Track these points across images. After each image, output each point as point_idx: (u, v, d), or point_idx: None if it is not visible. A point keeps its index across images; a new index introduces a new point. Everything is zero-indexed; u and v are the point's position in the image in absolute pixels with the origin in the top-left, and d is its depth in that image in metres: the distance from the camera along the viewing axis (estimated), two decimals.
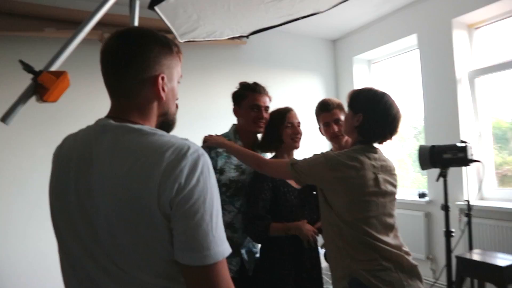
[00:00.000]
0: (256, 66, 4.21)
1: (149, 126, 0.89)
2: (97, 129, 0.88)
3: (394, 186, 1.55)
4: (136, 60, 0.88)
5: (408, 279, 1.39)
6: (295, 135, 1.86)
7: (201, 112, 3.88)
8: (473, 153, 1.95)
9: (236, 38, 2.34)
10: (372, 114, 1.51)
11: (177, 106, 1.02)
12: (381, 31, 4.13)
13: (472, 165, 2.19)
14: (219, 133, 1.93)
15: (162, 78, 0.91)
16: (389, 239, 1.45)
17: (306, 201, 1.81)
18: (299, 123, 1.90)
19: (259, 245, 1.94)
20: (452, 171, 2.78)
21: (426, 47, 3.65)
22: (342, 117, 1.95)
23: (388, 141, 1.55)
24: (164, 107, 0.95)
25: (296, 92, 4.41)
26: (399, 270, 1.39)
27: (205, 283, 0.79)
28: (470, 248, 2.54)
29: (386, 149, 4.34)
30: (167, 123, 0.99)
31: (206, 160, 0.83)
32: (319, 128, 2.03)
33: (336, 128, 1.94)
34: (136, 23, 1.64)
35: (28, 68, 1.27)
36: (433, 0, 3.55)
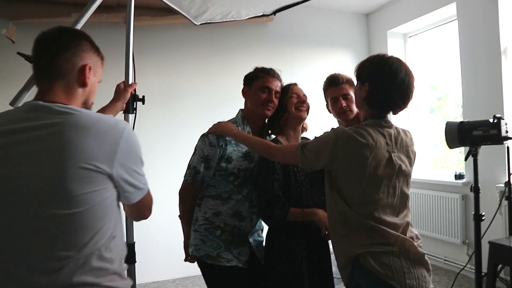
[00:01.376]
0: (285, 43, 4.09)
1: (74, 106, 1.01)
2: (24, 110, 1.00)
3: (410, 164, 1.43)
4: (72, 45, 1.03)
5: (410, 267, 1.30)
6: (300, 104, 1.78)
7: (227, 93, 3.84)
8: (508, 129, 1.77)
9: (260, 17, 2.27)
10: (378, 81, 1.38)
11: (92, 103, 1.14)
12: (417, 1, 3.86)
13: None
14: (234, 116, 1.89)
15: (90, 68, 1.05)
16: (397, 220, 1.36)
17: (314, 181, 1.74)
18: (305, 95, 1.82)
19: (265, 231, 1.90)
20: (492, 150, 2.56)
21: (466, 17, 3.36)
22: (352, 93, 1.83)
23: (402, 109, 1.42)
24: (85, 95, 1.08)
25: (327, 70, 4.16)
26: (403, 256, 1.30)
27: None
28: (511, 233, 2.36)
29: (430, 129, 4.12)
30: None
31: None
32: (327, 105, 1.93)
33: (344, 103, 1.82)
34: (132, 9, 1.69)
35: (28, 58, 1.32)
36: None
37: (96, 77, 1.10)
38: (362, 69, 1.45)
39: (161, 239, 3.53)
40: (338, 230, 1.41)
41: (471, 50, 3.31)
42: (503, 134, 1.77)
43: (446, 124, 1.87)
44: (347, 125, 1.85)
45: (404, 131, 1.47)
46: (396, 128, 1.44)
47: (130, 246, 1.66)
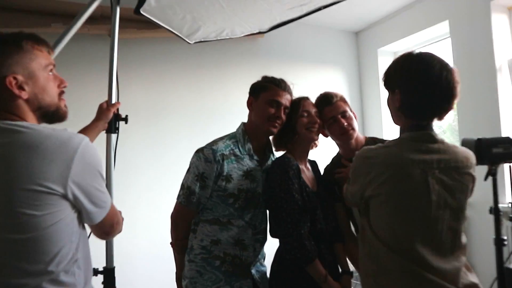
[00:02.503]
0: (275, 59, 4.00)
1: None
2: None
3: (461, 190, 1.14)
4: None
5: None
6: (311, 125, 1.60)
7: (216, 109, 3.70)
8: None
9: (257, 33, 2.19)
10: (409, 83, 1.14)
11: (61, 93, 1.06)
12: (408, 19, 3.84)
13: None
14: (228, 132, 1.70)
15: (15, 78, 0.94)
16: (444, 263, 1.09)
17: (321, 204, 1.57)
18: (316, 112, 1.64)
19: (265, 262, 1.71)
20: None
21: (459, 34, 3.33)
22: (348, 110, 1.69)
23: (448, 112, 1.18)
24: (34, 103, 0.98)
25: (317, 87, 4.10)
26: None
27: None
28: None
29: None
30: (50, 114, 1.03)
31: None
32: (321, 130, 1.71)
33: (344, 121, 1.64)
34: (116, 28, 1.65)
35: None
36: None
37: (36, 76, 0.98)
38: (389, 75, 1.23)
39: (145, 266, 3.26)
40: (366, 267, 1.18)
41: (466, 68, 3.27)
42: None
43: (462, 141, 1.75)
44: (348, 148, 1.70)
45: (458, 148, 1.19)
46: (443, 142, 1.16)
47: (109, 270, 1.54)
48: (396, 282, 1.09)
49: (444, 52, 3.64)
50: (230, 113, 3.62)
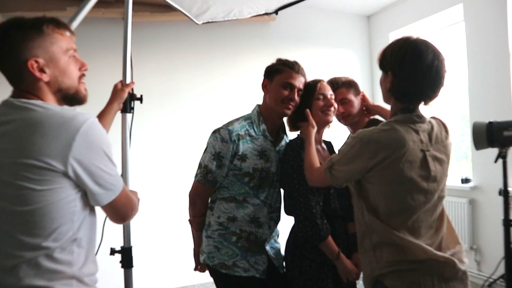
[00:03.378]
0: (287, 43, 4.01)
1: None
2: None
3: (447, 162, 1.28)
4: (2, 53, 0.97)
5: (443, 284, 1.16)
6: (327, 108, 1.63)
7: (228, 92, 3.75)
8: None
9: (262, 15, 2.19)
10: (402, 68, 1.20)
11: (81, 77, 1.08)
12: (421, 2, 3.80)
13: None
14: (239, 113, 1.74)
15: (36, 61, 0.96)
16: (432, 232, 1.23)
17: (337, 187, 1.62)
18: (332, 95, 1.67)
19: (279, 239, 1.77)
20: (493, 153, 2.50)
21: (473, 18, 3.30)
22: (351, 96, 1.75)
23: (434, 100, 1.26)
24: (55, 85, 1.01)
25: (328, 71, 4.11)
26: (436, 272, 1.16)
27: None
28: None
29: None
30: (70, 97, 1.05)
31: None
32: None
33: (341, 108, 1.73)
34: (130, 10, 1.65)
35: None
36: None
37: (57, 59, 1.00)
38: (384, 57, 1.28)
39: (162, 244, 3.37)
40: (365, 243, 1.28)
41: (479, 53, 3.26)
42: None
43: (473, 125, 1.78)
44: (355, 129, 1.75)
45: (438, 122, 1.32)
46: (430, 121, 1.28)
47: (127, 250, 1.57)
48: (394, 253, 1.19)
49: (458, 37, 3.62)
50: (242, 95, 3.66)
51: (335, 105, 1.67)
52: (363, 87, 4.81)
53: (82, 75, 1.10)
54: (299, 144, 1.60)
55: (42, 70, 0.98)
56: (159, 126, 3.48)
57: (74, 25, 1.60)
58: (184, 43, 3.62)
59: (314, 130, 1.58)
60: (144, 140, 3.32)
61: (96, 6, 1.67)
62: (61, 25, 1.04)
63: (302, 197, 1.52)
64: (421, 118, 1.25)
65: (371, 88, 4.40)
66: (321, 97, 1.64)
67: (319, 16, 4.19)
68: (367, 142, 1.20)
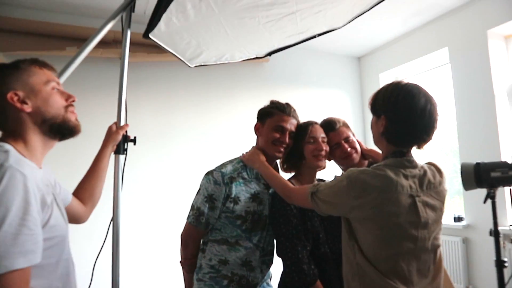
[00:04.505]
0: (280, 83, 4.13)
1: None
2: None
3: (441, 209, 1.25)
4: None
5: None
6: (318, 152, 1.63)
7: (223, 133, 3.78)
8: None
9: (254, 59, 2.27)
10: (395, 112, 1.21)
11: (67, 106, 1.08)
12: (409, 46, 3.97)
13: None
14: (235, 156, 1.77)
15: (16, 94, 1.00)
16: (425, 281, 1.19)
17: (329, 227, 1.61)
18: (324, 138, 1.67)
19: (271, 282, 1.74)
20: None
21: (459, 61, 3.45)
22: (351, 135, 1.76)
23: (427, 143, 1.25)
24: (38, 116, 1.02)
25: (321, 111, 4.25)
26: None
27: None
28: None
29: None
30: (57, 127, 1.06)
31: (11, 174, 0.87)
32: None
33: (347, 146, 1.71)
34: (127, 52, 1.67)
35: None
36: (465, 12, 3.38)
37: (37, 90, 1.03)
38: (377, 101, 1.28)
39: (154, 285, 3.28)
40: (353, 285, 1.23)
41: (466, 94, 3.37)
42: None
43: (461, 166, 1.81)
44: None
45: (431, 168, 1.30)
46: (422, 167, 1.27)
47: None
48: None
49: (444, 78, 3.75)
50: (237, 135, 3.70)
51: (327, 148, 1.67)
52: (355, 126, 4.91)
53: (70, 105, 1.10)
54: None
55: (23, 102, 1.00)
56: (154, 166, 3.48)
57: (72, 68, 1.62)
58: (180, 83, 3.70)
59: (261, 156, 1.62)
60: (139, 178, 3.31)
61: (94, 46, 1.70)
62: (39, 62, 1.08)
63: (288, 241, 1.51)
64: (411, 163, 1.24)
65: (363, 127, 4.49)
66: (312, 140, 1.64)
67: (312, 58, 4.33)
68: (354, 181, 1.19)
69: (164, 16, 1.52)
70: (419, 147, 1.26)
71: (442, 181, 1.29)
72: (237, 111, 3.82)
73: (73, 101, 1.12)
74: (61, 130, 1.08)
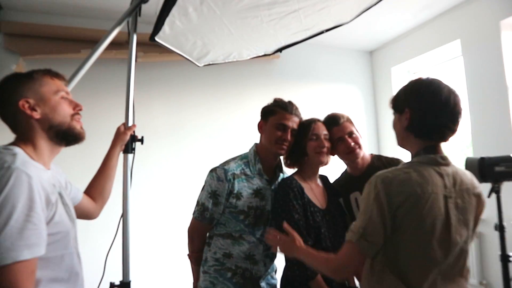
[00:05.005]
0: (291, 80, 4.13)
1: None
2: None
3: (474, 210, 1.18)
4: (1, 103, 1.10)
5: None
6: (320, 148, 1.66)
7: (234, 129, 3.83)
8: None
9: (263, 56, 2.29)
10: (419, 102, 1.18)
11: (74, 115, 1.16)
12: (421, 39, 3.92)
13: None
14: (241, 152, 1.81)
15: (27, 101, 1.09)
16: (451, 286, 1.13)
17: (330, 222, 1.64)
18: (326, 135, 1.71)
19: (276, 274, 1.79)
20: (506, 185, 2.50)
21: (471, 53, 3.39)
22: (355, 131, 1.77)
23: (454, 134, 1.20)
24: (46, 122, 1.11)
25: (332, 106, 4.25)
26: None
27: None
28: None
29: None
30: (63, 133, 1.14)
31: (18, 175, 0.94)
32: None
33: (351, 141, 1.73)
34: (133, 56, 1.74)
35: None
36: (477, 3, 3.31)
37: (47, 98, 1.11)
38: (398, 97, 1.27)
39: (162, 279, 3.37)
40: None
41: (478, 86, 3.31)
42: None
43: (466, 160, 1.82)
44: (354, 166, 1.78)
45: (463, 170, 1.23)
46: (454, 165, 1.20)
47: (126, 284, 1.58)
48: None
49: (457, 71, 3.69)
50: (248, 132, 3.73)
51: (329, 145, 1.70)
52: (368, 121, 4.86)
53: (76, 114, 1.19)
54: (288, 184, 1.64)
55: (33, 109, 1.09)
56: (166, 163, 3.56)
57: (84, 70, 1.68)
58: (191, 81, 3.76)
59: (300, 243, 1.38)
60: (151, 176, 3.41)
61: (108, 47, 1.76)
62: (51, 72, 1.17)
63: None
64: (445, 160, 1.18)
65: (376, 123, 4.46)
66: (314, 137, 1.68)
67: (323, 53, 4.32)
68: (389, 182, 1.11)
69: (168, 20, 1.57)
70: (445, 139, 1.21)
71: (476, 185, 1.23)
72: (248, 108, 3.85)
73: (80, 109, 1.21)
74: (66, 136, 1.16)
